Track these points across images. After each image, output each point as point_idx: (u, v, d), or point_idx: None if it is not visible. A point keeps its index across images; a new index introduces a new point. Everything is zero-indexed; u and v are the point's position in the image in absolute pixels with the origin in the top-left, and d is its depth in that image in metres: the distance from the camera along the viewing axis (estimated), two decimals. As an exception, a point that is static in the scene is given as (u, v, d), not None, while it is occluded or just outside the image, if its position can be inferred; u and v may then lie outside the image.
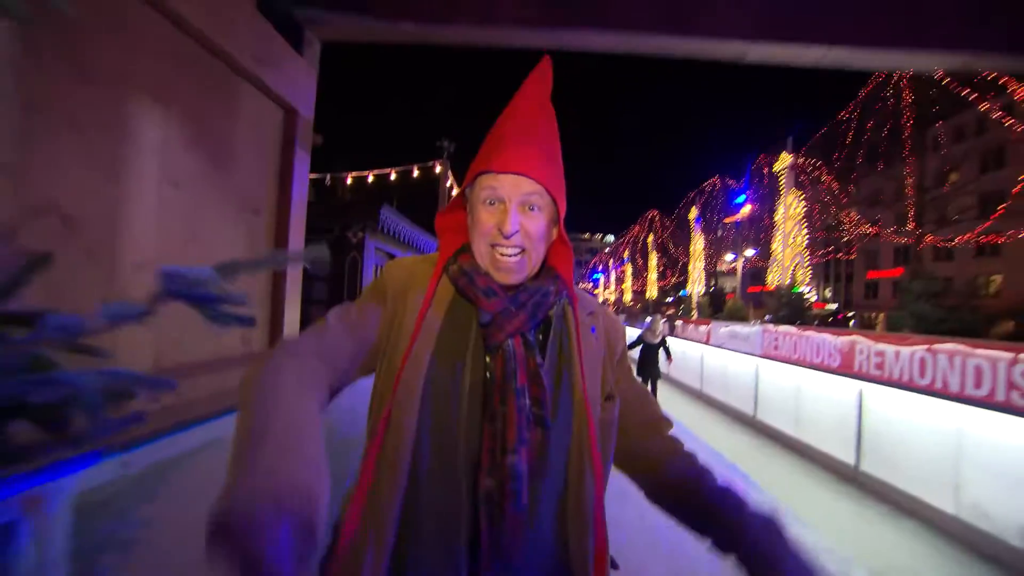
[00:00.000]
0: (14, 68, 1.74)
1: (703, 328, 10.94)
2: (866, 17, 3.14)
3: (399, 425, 0.74)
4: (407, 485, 0.72)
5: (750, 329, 9.86)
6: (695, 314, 23.77)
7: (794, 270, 17.76)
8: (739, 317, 18.65)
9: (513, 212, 0.78)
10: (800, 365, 6.16)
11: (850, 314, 28.42)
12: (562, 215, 0.84)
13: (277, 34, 2.94)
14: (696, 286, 26.84)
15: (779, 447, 5.87)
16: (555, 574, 0.77)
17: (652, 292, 36.28)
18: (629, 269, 42.46)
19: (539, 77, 0.87)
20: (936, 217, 16.97)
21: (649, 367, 6.65)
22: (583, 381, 0.80)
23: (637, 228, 44.98)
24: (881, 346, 4.71)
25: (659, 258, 37.58)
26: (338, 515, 0.77)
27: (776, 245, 18.30)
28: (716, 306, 25.57)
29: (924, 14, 3.12)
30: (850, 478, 4.72)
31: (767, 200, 20.47)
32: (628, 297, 43.58)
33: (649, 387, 6.13)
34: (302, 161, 3.40)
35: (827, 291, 33.36)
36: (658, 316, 7.16)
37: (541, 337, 0.82)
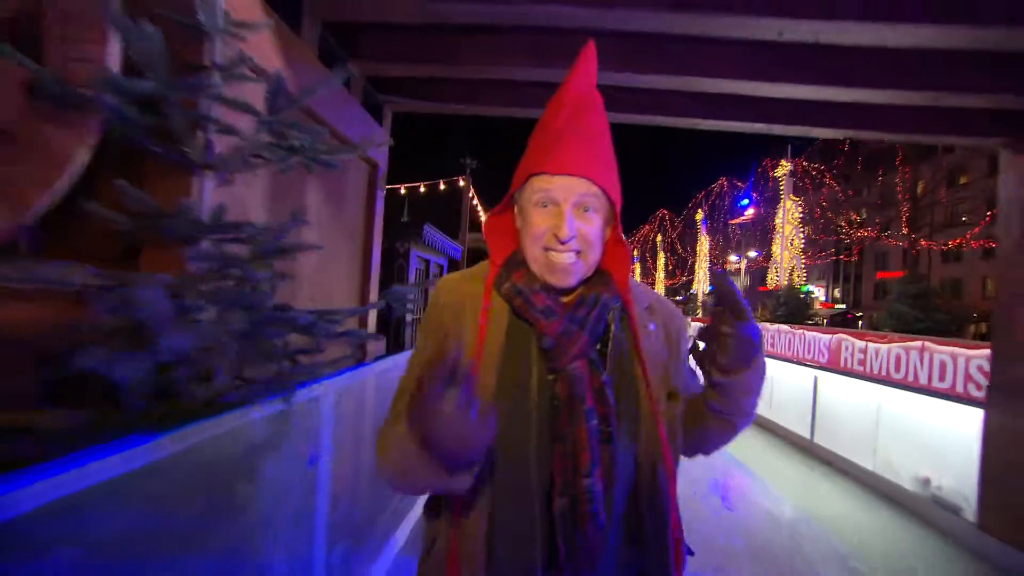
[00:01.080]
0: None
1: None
2: None
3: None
4: (491, 507, 0.75)
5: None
6: (700, 312, 24.81)
7: (791, 272, 18.81)
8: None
9: (568, 216, 0.75)
10: (789, 360, 7.21)
11: (859, 314, 29.18)
12: (618, 214, 0.81)
13: (372, 119, 4.12)
14: (702, 285, 27.96)
15: (755, 428, 6.96)
16: (631, 575, 0.78)
17: (660, 290, 37.31)
18: (638, 268, 43.33)
19: (585, 66, 0.82)
20: (929, 220, 17.86)
21: None
22: (647, 387, 0.79)
23: (647, 227, 45.77)
24: (862, 343, 5.64)
25: (667, 257, 38.46)
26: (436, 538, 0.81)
27: (776, 247, 19.34)
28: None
29: None
30: (805, 448, 5.82)
31: (769, 204, 21.50)
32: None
33: None
34: (379, 199, 4.60)
35: (836, 291, 34.13)
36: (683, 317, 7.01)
37: (600, 347, 0.80)
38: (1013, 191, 3.38)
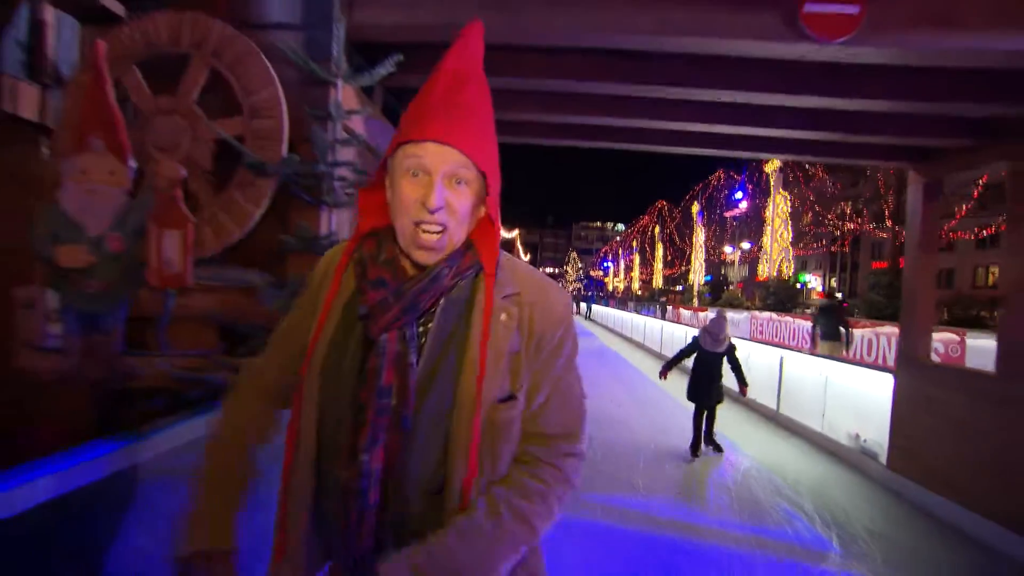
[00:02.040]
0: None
1: (701, 314, 12.95)
2: None
3: (306, 408, 0.81)
4: (316, 461, 0.80)
5: (738, 315, 11.90)
6: (696, 302, 25.79)
7: (780, 263, 19.74)
8: (735, 305, 20.68)
9: (438, 185, 0.73)
10: (771, 345, 8.15)
11: (855, 302, 30.14)
12: (492, 191, 0.79)
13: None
14: (697, 275, 28.94)
15: (733, 403, 7.92)
16: None
17: (658, 281, 38.26)
18: (637, 259, 44.22)
19: (466, 42, 0.81)
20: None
21: (705, 384, 4.85)
22: (481, 380, 0.75)
23: (646, 218, 46.55)
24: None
25: (666, 247, 39.35)
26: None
27: (766, 239, 20.26)
28: (715, 295, 27.65)
29: None
30: (771, 417, 6.78)
31: (762, 196, 22.38)
32: (636, 285, 45.38)
33: (704, 414, 4.90)
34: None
35: (833, 281, 35.10)
36: (722, 313, 5.32)
37: (424, 326, 0.79)
38: (914, 203, 4.32)
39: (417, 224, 0.75)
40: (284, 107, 2.54)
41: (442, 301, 0.79)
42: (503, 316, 0.78)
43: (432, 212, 0.73)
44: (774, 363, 7.02)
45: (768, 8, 2.51)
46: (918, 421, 4.20)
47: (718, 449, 5.01)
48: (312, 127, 2.44)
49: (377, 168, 0.83)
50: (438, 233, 0.75)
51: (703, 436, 4.94)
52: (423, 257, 0.77)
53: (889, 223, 18.13)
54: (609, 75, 3.20)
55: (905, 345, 4.44)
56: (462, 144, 0.73)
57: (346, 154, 2.72)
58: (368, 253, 0.81)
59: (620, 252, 56.22)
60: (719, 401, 4.89)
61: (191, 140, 2.49)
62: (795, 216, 20.05)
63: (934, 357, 5.24)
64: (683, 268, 36.67)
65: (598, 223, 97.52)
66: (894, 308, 11.06)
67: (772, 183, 19.95)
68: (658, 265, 37.93)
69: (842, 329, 7.41)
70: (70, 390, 2.51)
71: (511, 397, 0.78)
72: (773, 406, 6.88)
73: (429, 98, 0.76)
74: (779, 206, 19.47)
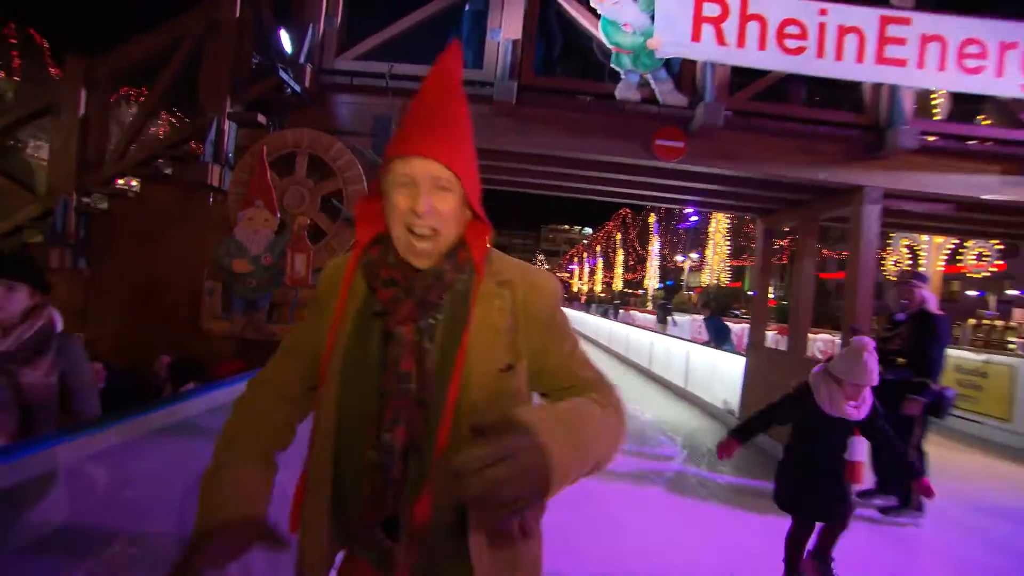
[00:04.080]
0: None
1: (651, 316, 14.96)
2: None
3: (324, 407, 0.91)
4: (335, 454, 0.91)
5: (682, 318, 14.18)
6: (649, 305, 28.25)
7: (719, 273, 22.34)
8: (684, 310, 23.14)
9: (424, 193, 0.85)
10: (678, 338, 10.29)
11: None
12: (471, 195, 0.90)
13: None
14: (652, 281, 31.50)
15: (649, 380, 10.06)
16: (453, 539, 0.86)
17: (618, 284, 40.75)
18: (601, 263, 46.54)
19: (445, 64, 0.93)
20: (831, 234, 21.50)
21: (819, 477, 2.52)
22: (462, 353, 0.87)
23: (611, 224, 48.90)
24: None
25: (627, 253, 41.79)
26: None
27: (709, 252, 22.79)
28: (669, 298, 30.20)
29: None
30: (681, 394, 8.92)
31: (707, 215, 24.96)
32: (599, 288, 47.76)
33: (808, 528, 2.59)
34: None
35: (780, 291, 38.32)
36: (862, 344, 2.44)
37: (435, 318, 0.90)
38: (759, 241, 6.45)
39: (410, 229, 0.87)
40: (364, 179, 4.39)
41: (448, 296, 0.91)
42: (497, 301, 0.91)
43: (420, 216, 0.85)
44: (684, 354, 9.19)
45: (636, 141, 4.52)
46: (755, 385, 6.31)
47: None
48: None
49: (373, 181, 0.96)
50: (430, 238, 0.87)
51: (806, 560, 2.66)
52: (419, 262, 0.89)
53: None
54: (552, 160, 5.17)
55: (752, 336, 6.58)
56: (442, 157, 0.85)
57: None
58: (377, 257, 0.92)
59: (585, 256, 58.50)
60: (846, 511, 2.58)
61: (308, 201, 4.33)
62: (736, 232, 22.65)
63: (768, 344, 7.45)
64: (642, 274, 39.21)
65: (566, 226, 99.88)
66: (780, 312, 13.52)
67: (715, 202, 22.48)
68: (618, 270, 40.37)
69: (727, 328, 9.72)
70: (234, 343, 4.33)
71: (509, 367, 0.90)
72: (682, 384, 9.01)
73: (413, 116, 0.89)
74: (720, 222, 22.02)
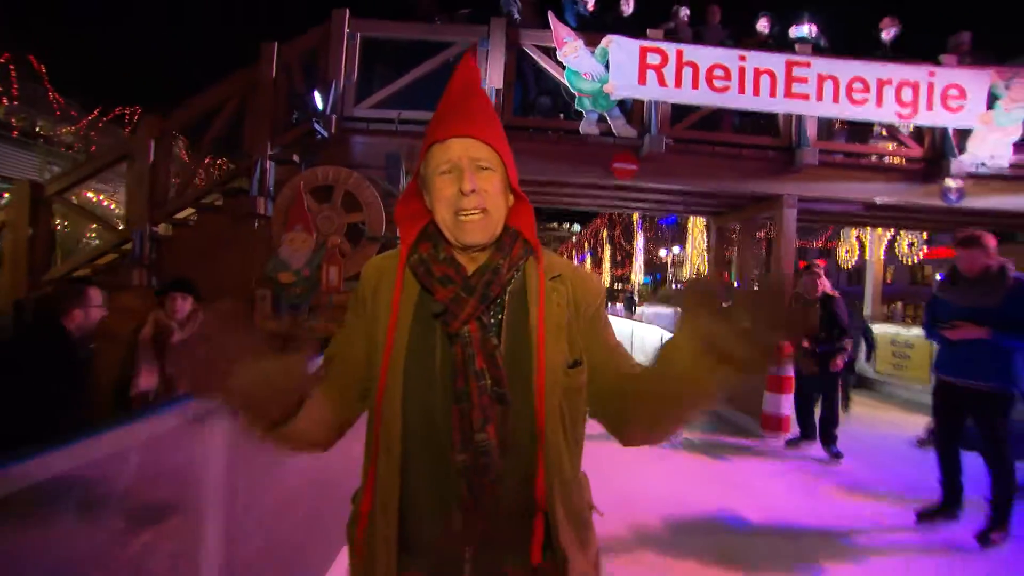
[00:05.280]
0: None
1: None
2: None
3: (387, 413, 0.87)
4: (403, 462, 0.86)
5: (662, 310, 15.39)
6: (636, 298, 29.47)
7: (699, 266, 23.53)
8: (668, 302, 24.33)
9: (468, 172, 0.85)
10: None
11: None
12: (512, 173, 0.90)
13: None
14: (638, 275, 32.72)
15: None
16: (519, 531, 0.88)
17: (606, 280, 41.99)
18: (589, 259, 47.71)
19: (467, 65, 0.98)
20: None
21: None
22: (541, 353, 0.86)
23: (599, 220, 49.99)
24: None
25: (614, 249, 42.97)
26: (358, 489, 0.92)
27: (688, 246, 23.97)
28: (654, 290, 31.53)
29: None
30: (655, 374, 10.09)
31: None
32: (588, 284, 48.61)
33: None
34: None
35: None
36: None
37: (496, 314, 0.89)
38: (712, 238, 7.58)
39: (457, 213, 0.86)
40: (382, 208, 5.46)
41: (506, 294, 0.90)
42: (555, 296, 0.91)
43: (467, 195, 0.85)
44: (654, 339, 10.33)
45: (598, 165, 5.63)
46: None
47: None
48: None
49: (410, 180, 0.95)
50: (479, 215, 0.86)
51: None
52: (472, 238, 0.87)
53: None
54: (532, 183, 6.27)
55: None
56: (480, 134, 0.86)
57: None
58: (427, 254, 0.90)
59: (575, 253, 59.58)
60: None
61: (337, 226, 5.40)
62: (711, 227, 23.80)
63: None
64: (629, 269, 40.43)
65: (555, 224, 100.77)
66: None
67: (692, 198, 23.72)
68: (606, 265, 41.59)
69: None
70: (280, 339, 5.44)
71: (576, 363, 0.91)
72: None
73: (445, 107, 0.90)
74: (696, 219, 23.20)
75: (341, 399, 0.93)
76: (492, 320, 0.89)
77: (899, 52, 5.92)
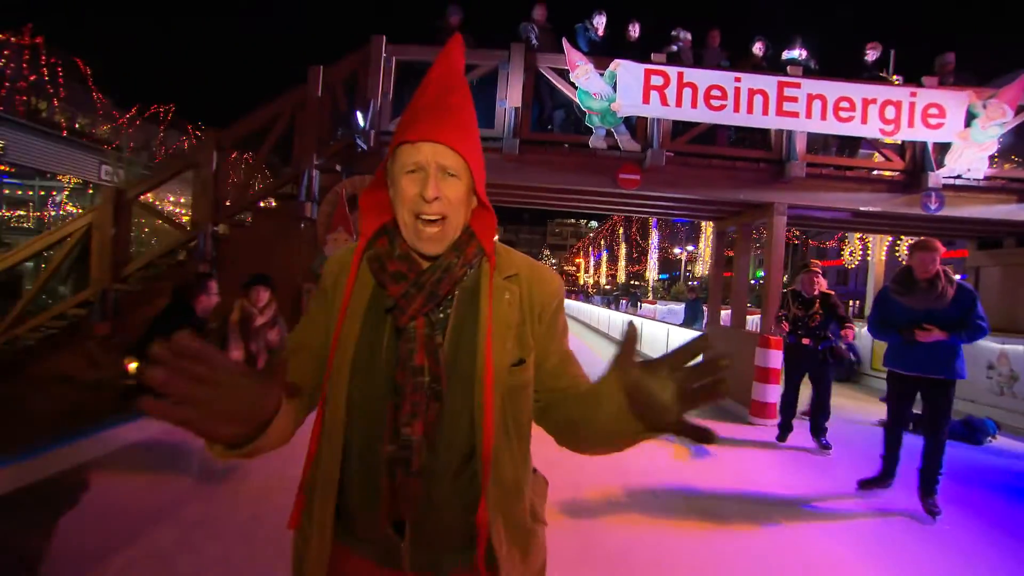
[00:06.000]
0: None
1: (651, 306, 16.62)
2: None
3: (332, 402, 0.89)
4: (344, 449, 0.88)
5: (678, 306, 15.89)
6: (650, 295, 29.92)
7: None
8: (681, 299, 24.82)
9: (433, 178, 0.84)
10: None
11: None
12: (478, 181, 0.89)
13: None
14: (652, 272, 33.16)
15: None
16: (457, 529, 0.88)
17: (621, 277, 42.39)
18: (605, 256, 48.11)
19: (449, 54, 0.94)
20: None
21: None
22: (488, 351, 0.86)
23: (615, 218, 50.36)
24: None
25: (630, 246, 43.35)
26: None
27: (701, 244, 24.36)
28: (668, 288, 31.93)
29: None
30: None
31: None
32: (604, 280, 49.34)
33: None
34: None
35: (785, 276, 39.75)
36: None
37: (444, 311, 0.90)
38: (712, 240, 8.15)
39: (417, 216, 0.85)
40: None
41: (457, 291, 0.91)
42: (507, 295, 0.91)
43: (429, 202, 0.83)
44: (663, 334, 10.95)
45: (606, 175, 6.27)
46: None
47: None
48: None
49: (378, 170, 0.93)
50: (437, 224, 0.85)
51: None
52: (428, 248, 0.87)
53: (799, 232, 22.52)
54: (546, 191, 6.93)
55: (710, 316, 8.32)
56: (450, 141, 0.84)
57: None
58: (383, 250, 0.90)
59: (591, 249, 59.92)
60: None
61: (373, 226, 6.14)
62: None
63: (722, 322, 9.19)
64: (644, 266, 40.79)
65: (572, 220, 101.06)
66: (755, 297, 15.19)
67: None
68: (621, 263, 41.97)
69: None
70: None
71: (521, 362, 0.91)
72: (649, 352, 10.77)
73: (420, 103, 0.88)
74: (710, 217, 23.63)
75: (302, 392, 0.92)
76: (440, 316, 0.90)
77: (883, 68, 6.45)
